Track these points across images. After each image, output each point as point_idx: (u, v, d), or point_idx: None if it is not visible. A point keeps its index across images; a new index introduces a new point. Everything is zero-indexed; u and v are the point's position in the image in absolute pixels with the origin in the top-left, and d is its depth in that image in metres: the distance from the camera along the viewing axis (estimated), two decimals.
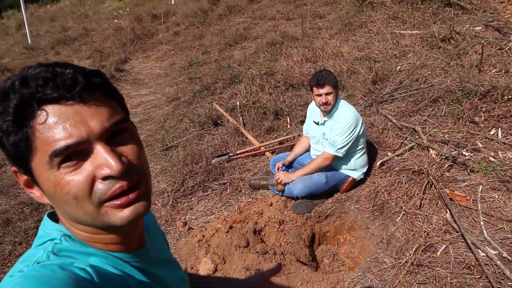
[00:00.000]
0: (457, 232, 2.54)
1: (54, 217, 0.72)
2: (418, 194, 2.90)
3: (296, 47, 5.90)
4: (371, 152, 3.47)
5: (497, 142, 3.15)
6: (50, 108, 0.58)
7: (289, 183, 3.19)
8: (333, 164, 3.19)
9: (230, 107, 4.90)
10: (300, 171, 3.20)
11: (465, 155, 3.10)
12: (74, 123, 0.59)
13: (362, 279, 2.47)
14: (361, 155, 3.20)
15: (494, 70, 3.83)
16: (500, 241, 2.42)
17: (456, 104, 3.57)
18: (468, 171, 2.96)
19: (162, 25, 9.82)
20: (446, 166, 3.04)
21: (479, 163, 2.97)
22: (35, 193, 0.66)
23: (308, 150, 3.52)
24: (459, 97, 3.58)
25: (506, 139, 3.15)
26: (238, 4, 9.09)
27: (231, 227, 3.04)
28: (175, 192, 3.62)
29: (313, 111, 3.37)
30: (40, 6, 19.54)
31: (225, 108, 4.91)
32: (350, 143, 3.05)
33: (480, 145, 3.17)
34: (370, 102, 4.17)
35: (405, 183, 3.04)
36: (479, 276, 2.25)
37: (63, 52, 9.82)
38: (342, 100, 3.20)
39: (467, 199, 2.77)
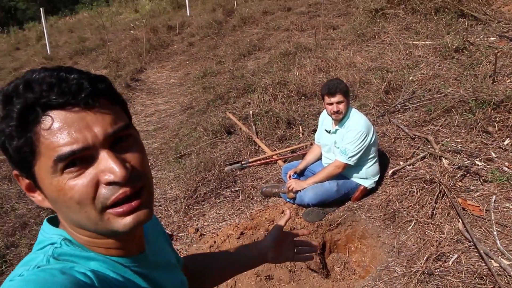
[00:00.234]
0: (470, 241, 2.52)
1: (53, 222, 0.72)
2: (430, 203, 2.89)
3: (309, 58, 5.94)
4: (383, 161, 3.47)
5: (511, 152, 3.12)
6: (55, 114, 0.58)
7: (300, 190, 3.21)
8: (345, 172, 3.20)
9: (243, 116, 4.95)
10: (312, 179, 3.22)
11: (478, 165, 3.08)
12: (79, 129, 0.58)
13: (373, 287, 2.47)
14: (373, 164, 3.20)
15: (509, 80, 3.81)
16: None
17: (469, 114, 3.56)
18: (481, 181, 2.94)
19: (177, 36, 9.98)
20: (458, 176, 3.03)
21: (493, 173, 2.95)
22: (37, 197, 0.66)
23: (319, 158, 3.54)
24: (472, 107, 3.57)
25: None
26: (252, 16, 9.20)
27: (242, 233, 3.06)
28: (188, 199, 3.67)
29: (325, 120, 3.40)
30: (59, 18, 20.10)
31: (238, 117, 4.97)
32: (362, 151, 3.07)
33: (494, 155, 3.15)
34: (382, 112, 4.18)
35: (417, 192, 3.03)
36: (492, 286, 2.23)
37: (81, 62, 10.05)
38: (353, 109, 3.22)
39: (480, 209, 2.75)
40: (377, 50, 5.54)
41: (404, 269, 2.50)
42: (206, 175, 3.87)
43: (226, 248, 2.93)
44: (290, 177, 3.40)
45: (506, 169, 2.97)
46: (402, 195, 3.09)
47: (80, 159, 0.59)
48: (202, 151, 4.44)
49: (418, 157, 3.35)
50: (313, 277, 2.62)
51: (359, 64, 5.28)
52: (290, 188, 3.25)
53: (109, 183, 0.60)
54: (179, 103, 6.22)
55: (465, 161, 3.11)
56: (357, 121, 3.10)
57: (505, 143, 3.23)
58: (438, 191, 2.93)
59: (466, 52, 4.60)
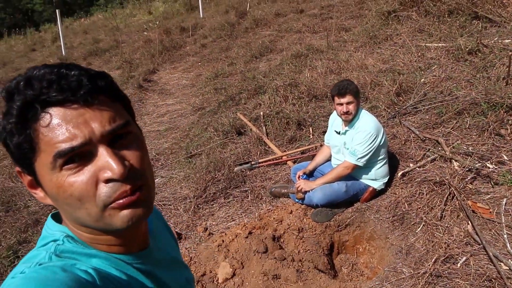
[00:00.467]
0: (479, 244, 2.50)
1: (57, 218, 0.72)
2: (439, 206, 2.87)
3: (320, 59, 5.95)
4: (393, 163, 3.45)
5: None
6: (54, 111, 0.58)
7: (309, 191, 3.22)
8: (354, 173, 3.20)
9: (253, 117, 4.97)
10: (321, 179, 3.22)
11: (489, 168, 3.05)
12: (78, 125, 0.58)
13: None
14: (382, 165, 3.19)
15: None
16: None
17: (481, 116, 3.52)
18: (492, 183, 2.91)
19: (190, 37, 10.06)
20: (469, 178, 3.00)
21: (504, 176, 2.91)
22: (39, 194, 0.66)
23: (329, 159, 3.54)
24: (484, 110, 3.54)
25: None
26: (265, 18, 9.24)
27: (250, 233, 3.08)
28: (197, 198, 3.70)
29: (335, 121, 3.40)
30: (74, 19, 20.47)
31: (249, 118, 4.99)
32: (371, 152, 3.06)
33: (506, 157, 3.11)
34: (393, 113, 4.16)
35: (426, 194, 3.01)
36: None
37: (95, 62, 10.19)
38: (363, 110, 3.22)
39: (490, 212, 2.72)
40: (389, 52, 5.51)
41: (412, 271, 2.49)
42: (216, 175, 3.90)
43: (234, 247, 2.94)
44: (299, 177, 3.40)
45: None
46: (411, 197, 3.07)
47: (79, 156, 0.59)
48: (213, 151, 4.47)
49: (428, 159, 3.33)
50: (320, 277, 2.62)
51: (370, 66, 5.26)
52: (299, 189, 3.26)
53: (108, 181, 0.60)
54: (190, 104, 6.27)
55: (476, 164, 3.08)
56: (367, 122, 3.10)
57: None
58: (448, 193, 2.91)
59: (480, 54, 4.55)
